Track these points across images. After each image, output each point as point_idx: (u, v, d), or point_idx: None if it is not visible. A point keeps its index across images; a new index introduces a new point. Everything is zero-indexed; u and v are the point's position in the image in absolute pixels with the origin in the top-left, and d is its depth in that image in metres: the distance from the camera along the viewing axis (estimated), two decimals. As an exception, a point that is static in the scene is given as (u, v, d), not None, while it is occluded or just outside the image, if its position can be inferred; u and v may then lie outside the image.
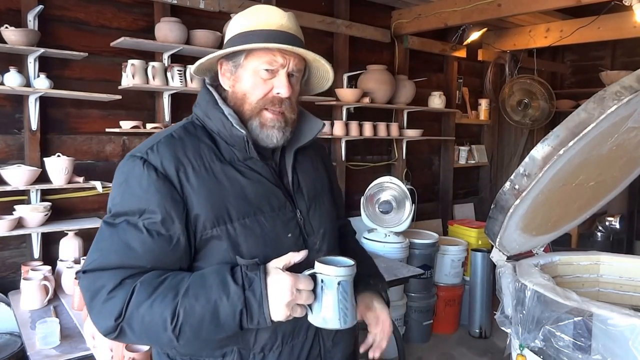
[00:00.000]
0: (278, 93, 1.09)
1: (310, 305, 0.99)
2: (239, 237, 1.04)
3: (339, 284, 0.97)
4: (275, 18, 1.10)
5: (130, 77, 2.71)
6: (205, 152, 1.08)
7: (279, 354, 1.09)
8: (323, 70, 1.19)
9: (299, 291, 0.97)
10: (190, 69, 1.15)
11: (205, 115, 1.12)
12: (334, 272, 0.97)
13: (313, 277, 0.99)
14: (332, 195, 1.31)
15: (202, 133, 1.11)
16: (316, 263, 0.99)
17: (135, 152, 1.07)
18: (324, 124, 1.25)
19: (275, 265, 0.99)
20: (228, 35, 1.14)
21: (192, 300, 0.95)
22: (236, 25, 1.13)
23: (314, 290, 0.99)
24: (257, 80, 1.09)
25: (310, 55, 1.12)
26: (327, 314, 0.99)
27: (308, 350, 1.13)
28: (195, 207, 1.03)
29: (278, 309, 0.95)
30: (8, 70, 2.41)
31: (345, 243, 1.37)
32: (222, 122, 1.09)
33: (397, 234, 3.46)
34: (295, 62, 1.11)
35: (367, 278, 1.27)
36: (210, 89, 1.15)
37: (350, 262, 1.02)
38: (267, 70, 1.09)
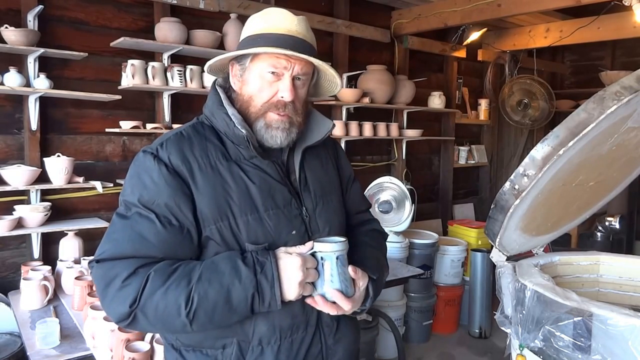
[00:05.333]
0: (282, 97, 1.12)
1: (313, 283, 1.06)
2: (242, 233, 1.07)
3: (337, 258, 1.06)
4: (285, 22, 1.12)
5: (130, 77, 2.70)
6: (211, 151, 1.11)
7: (277, 348, 1.10)
8: (330, 74, 1.21)
9: (308, 269, 1.04)
10: (205, 67, 1.17)
11: (212, 115, 1.16)
12: (332, 248, 1.06)
13: (312, 256, 1.08)
14: (342, 194, 1.31)
15: (211, 132, 1.15)
16: (315, 243, 1.07)
17: (146, 148, 1.11)
18: (334, 124, 1.28)
19: (284, 250, 1.06)
20: (241, 37, 1.18)
21: (206, 285, 0.98)
22: (248, 27, 1.17)
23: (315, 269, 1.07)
24: (263, 83, 1.12)
25: (315, 61, 1.13)
26: (331, 286, 1.07)
27: (308, 347, 1.14)
28: (199, 203, 1.06)
29: (291, 289, 1.02)
30: (8, 70, 2.42)
31: (355, 236, 1.30)
32: (225, 122, 1.12)
33: (397, 234, 3.46)
34: (302, 66, 1.12)
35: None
36: (219, 89, 1.19)
37: (343, 238, 1.10)
38: (272, 73, 1.11)
